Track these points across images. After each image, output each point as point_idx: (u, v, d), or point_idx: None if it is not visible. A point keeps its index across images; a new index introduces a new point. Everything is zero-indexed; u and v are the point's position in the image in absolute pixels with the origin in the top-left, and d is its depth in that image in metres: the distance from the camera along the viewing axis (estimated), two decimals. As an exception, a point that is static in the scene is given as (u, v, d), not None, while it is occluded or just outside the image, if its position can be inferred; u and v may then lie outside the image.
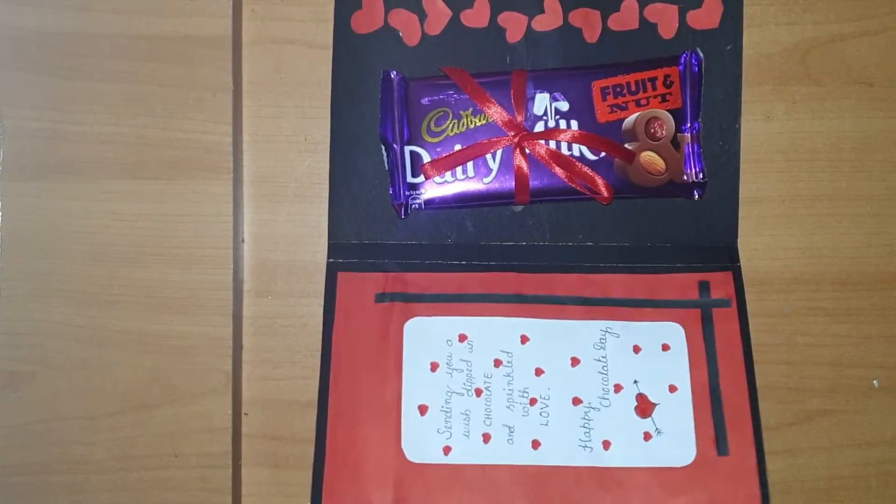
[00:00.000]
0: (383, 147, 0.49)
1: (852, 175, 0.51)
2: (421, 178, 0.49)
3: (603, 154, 0.48)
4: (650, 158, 0.48)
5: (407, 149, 0.49)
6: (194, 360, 0.48)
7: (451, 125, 0.49)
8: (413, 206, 0.49)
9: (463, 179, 0.49)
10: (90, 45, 0.49)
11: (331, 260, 0.50)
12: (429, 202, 0.49)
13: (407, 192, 0.49)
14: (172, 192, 0.49)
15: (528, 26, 0.50)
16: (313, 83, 0.50)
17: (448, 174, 0.49)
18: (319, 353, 0.49)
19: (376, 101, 0.50)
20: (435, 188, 0.49)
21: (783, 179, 0.51)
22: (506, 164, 0.49)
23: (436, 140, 0.49)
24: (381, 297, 0.49)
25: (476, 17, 0.50)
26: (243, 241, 0.50)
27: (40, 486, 0.48)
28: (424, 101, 0.49)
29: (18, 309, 0.48)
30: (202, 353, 0.48)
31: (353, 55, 0.50)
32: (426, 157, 0.49)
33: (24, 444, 0.48)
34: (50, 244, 0.48)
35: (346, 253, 0.50)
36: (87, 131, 0.49)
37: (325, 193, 0.50)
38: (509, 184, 0.49)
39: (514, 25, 0.50)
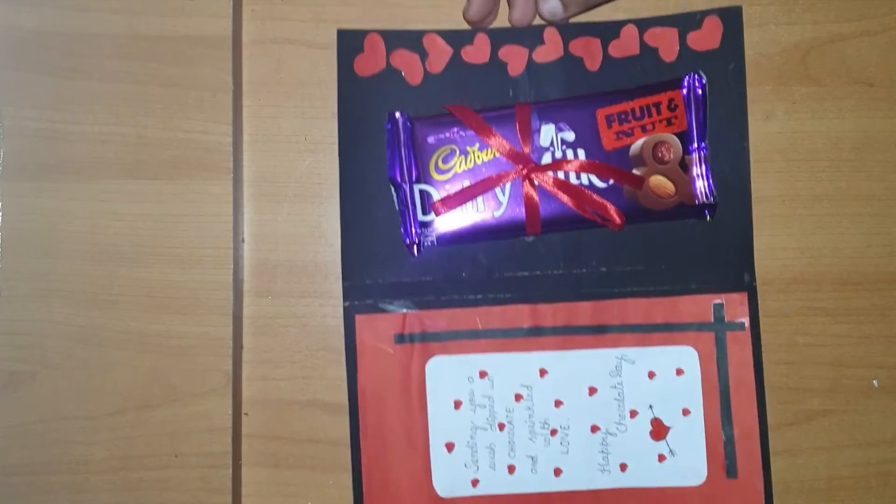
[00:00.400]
0: (392, 188, 0.49)
1: (852, 175, 0.51)
2: (432, 216, 0.49)
3: (612, 181, 0.48)
4: (659, 182, 0.48)
5: (416, 188, 0.49)
6: (194, 360, 0.48)
7: (458, 162, 0.49)
8: (425, 243, 0.49)
9: (474, 214, 0.49)
10: (90, 45, 0.49)
11: (346, 303, 0.49)
12: (441, 238, 0.49)
13: (419, 231, 0.49)
14: (172, 192, 0.49)
15: (530, 58, 0.50)
16: (313, 83, 0.50)
17: (459, 209, 0.49)
18: (318, 352, 0.50)
19: (383, 142, 0.49)
20: (446, 224, 0.49)
21: (783, 179, 0.51)
22: (515, 196, 0.48)
23: (444, 177, 0.49)
24: (400, 339, 0.49)
25: (477, 52, 0.50)
26: (243, 241, 0.50)
27: (40, 486, 0.48)
28: (431, 139, 0.49)
29: (18, 309, 0.48)
30: (202, 353, 0.48)
31: (358, 98, 0.50)
32: (436, 195, 0.49)
33: (24, 444, 0.48)
34: (50, 244, 0.48)
35: (362, 294, 0.49)
36: (87, 131, 0.49)
37: (326, 193, 0.50)
38: (520, 215, 0.48)
39: (515, 59, 0.50)
